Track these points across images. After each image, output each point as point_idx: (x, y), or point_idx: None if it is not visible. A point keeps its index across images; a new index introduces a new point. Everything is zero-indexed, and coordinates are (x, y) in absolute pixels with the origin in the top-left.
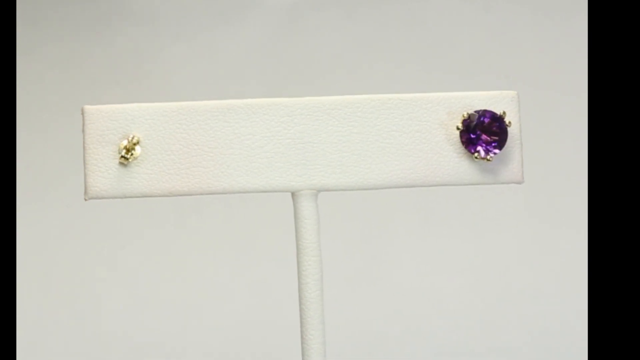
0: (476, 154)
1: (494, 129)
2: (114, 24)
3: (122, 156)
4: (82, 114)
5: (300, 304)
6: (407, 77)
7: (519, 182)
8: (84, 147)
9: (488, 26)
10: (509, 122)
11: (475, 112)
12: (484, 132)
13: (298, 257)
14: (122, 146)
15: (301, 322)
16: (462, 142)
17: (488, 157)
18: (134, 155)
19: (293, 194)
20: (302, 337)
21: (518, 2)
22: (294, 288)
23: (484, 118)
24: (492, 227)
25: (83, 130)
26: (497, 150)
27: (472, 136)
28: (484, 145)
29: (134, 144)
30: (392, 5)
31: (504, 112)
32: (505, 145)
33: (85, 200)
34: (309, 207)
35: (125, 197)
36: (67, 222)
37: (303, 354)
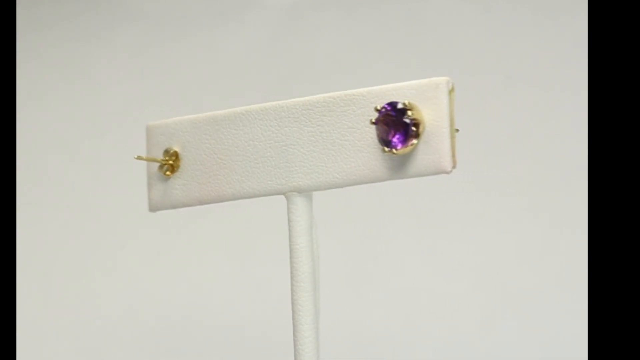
0: (385, 149)
1: (396, 121)
2: (113, 24)
3: (166, 170)
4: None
5: (292, 304)
6: (407, 77)
7: (446, 172)
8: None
9: (488, 26)
10: (411, 113)
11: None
12: (387, 126)
13: (289, 259)
14: (166, 160)
15: (293, 324)
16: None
17: (393, 150)
18: (175, 168)
19: (285, 196)
20: (294, 341)
21: (518, 2)
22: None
23: (384, 111)
24: (492, 227)
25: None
26: (399, 145)
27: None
28: (391, 138)
29: (175, 157)
30: (392, 5)
31: (408, 103)
32: (427, 135)
33: (151, 212)
34: (292, 208)
35: (173, 208)
36: (67, 222)
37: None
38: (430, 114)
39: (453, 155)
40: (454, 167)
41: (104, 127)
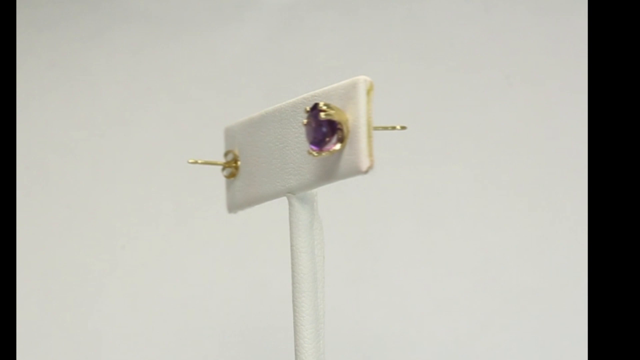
0: (313, 152)
1: (314, 123)
2: (113, 24)
3: (230, 172)
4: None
5: (292, 305)
6: (406, 77)
7: (361, 173)
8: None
9: (488, 26)
10: (325, 114)
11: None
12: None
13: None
14: (229, 163)
15: (293, 323)
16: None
17: (314, 153)
18: (235, 170)
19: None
20: (294, 342)
21: (518, 2)
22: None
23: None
24: (492, 227)
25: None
26: (315, 147)
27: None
28: (310, 140)
29: (234, 160)
30: (391, 5)
31: (323, 104)
32: (342, 136)
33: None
34: (290, 210)
35: (240, 209)
36: (67, 222)
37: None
38: (351, 115)
39: (370, 155)
40: (370, 167)
41: (104, 126)
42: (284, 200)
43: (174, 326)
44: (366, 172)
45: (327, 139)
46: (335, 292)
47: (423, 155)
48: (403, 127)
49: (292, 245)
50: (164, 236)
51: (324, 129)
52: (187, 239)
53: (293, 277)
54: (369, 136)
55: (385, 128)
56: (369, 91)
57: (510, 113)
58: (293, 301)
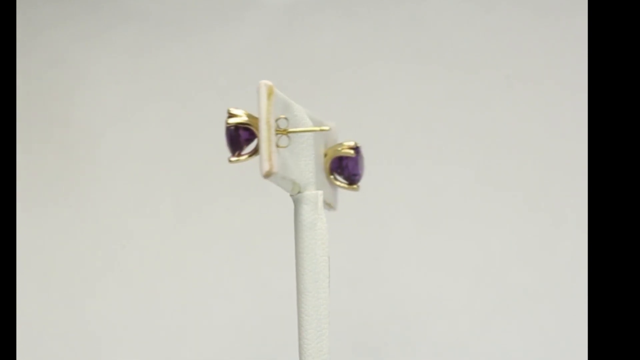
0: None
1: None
2: (113, 24)
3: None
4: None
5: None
6: (407, 77)
7: (263, 176)
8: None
9: (488, 26)
10: (231, 120)
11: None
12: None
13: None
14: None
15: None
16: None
17: (231, 159)
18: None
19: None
20: (299, 342)
21: (518, 2)
22: (291, 289)
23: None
24: (491, 226)
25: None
26: (230, 152)
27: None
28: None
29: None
30: (391, 5)
31: (229, 109)
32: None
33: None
34: (295, 210)
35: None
36: (67, 222)
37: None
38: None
39: (268, 160)
40: (269, 171)
41: (104, 126)
42: (286, 200)
43: (174, 325)
44: (265, 177)
45: (245, 145)
46: (336, 293)
47: (423, 155)
48: (322, 129)
49: (295, 245)
50: (164, 236)
51: (241, 134)
52: (187, 239)
53: (296, 277)
54: (268, 140)
55: (311, 130)
56: (269, 95)
57: (510, 113)
58: (297, 301)
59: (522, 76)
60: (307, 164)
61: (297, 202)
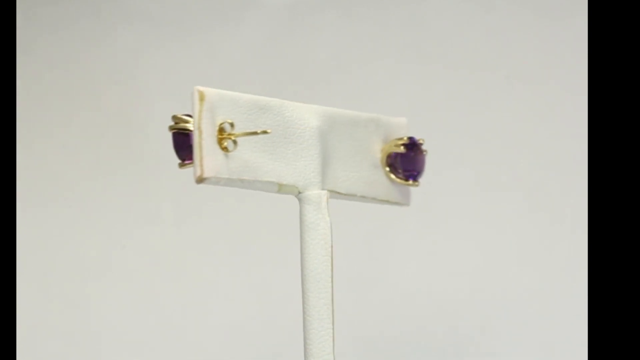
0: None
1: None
2: (113, 24)
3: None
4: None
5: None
6: (407, 77)
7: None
8: None
9: (488, 26)
10: (180, 125)
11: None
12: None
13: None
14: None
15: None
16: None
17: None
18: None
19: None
20: (304, 344)
21: (518, 2)
22: (295, 289)
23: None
24: (492, 228)
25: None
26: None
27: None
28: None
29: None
30: (391, 5)
31: (173, 115)
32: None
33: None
34: (300, 210)
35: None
36: (67, 222)
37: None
38: None
39: (199, 165)
40: (200, 177)
41: (104, 126)
42: (288, 200)
43: (175, 326)
44: (197, 182)
45: (185, 150)
46: (336, 293)
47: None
48: (265, 132)
49: (300, 246)
50: (164, 236)
51: (185, 141)
52: (188, 239)
53: (301, 277)
54: (199, 145)
55: (250, 134)
56: (200, 100)
57: (510, 113)
58: (302, 301)
59: (522, 76)
60: (307, 165)
61: (300, 203)
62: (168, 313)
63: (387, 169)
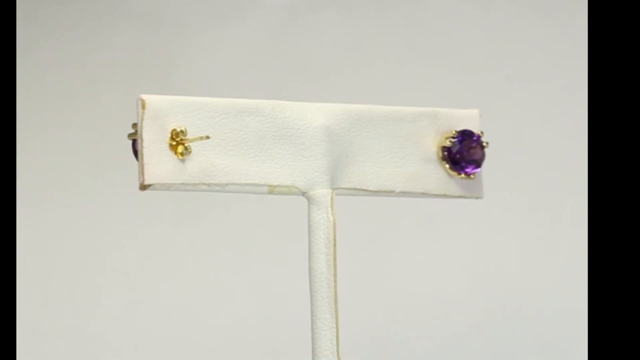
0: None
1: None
2: (113, 24)
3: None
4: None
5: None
6: (407, 77)
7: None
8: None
9: (488, 26)
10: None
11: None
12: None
13: None
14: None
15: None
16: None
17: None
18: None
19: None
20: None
21: (518, 2)
22: (296, 289)
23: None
24: (492, 228)
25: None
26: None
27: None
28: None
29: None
30: (392, 5)
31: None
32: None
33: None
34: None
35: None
36: (67, 222)
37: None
38: None
39: (141, 173)
40: (141, 184)
41: (104, 126)
42: (290, 200)
43: (175, 326)
44: (140, 189)
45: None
46: (341, 292)
47: None
48: (207, 137)
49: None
50: (164, 236)
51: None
52: (188, 239)
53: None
54: (140, 153)
55: (197, 139)
56: (142, 108)
57: (510, 113)
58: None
59: (522, 76)
60: (309, 165)
61: (308, 202)
62: (168, 313)
63: (445, 163)
